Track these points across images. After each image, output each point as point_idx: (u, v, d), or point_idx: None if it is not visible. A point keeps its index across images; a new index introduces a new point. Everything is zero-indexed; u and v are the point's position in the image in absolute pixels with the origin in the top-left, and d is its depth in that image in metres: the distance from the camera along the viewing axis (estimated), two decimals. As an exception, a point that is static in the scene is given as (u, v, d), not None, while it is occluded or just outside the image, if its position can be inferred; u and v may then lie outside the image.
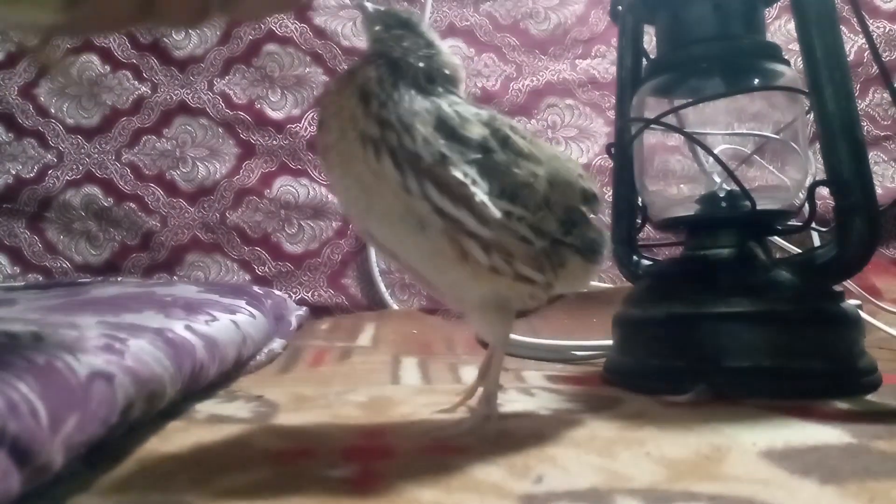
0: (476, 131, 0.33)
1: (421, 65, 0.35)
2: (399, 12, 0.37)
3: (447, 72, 0.36)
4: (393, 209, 0.33)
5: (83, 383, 0.28)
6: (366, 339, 0.76)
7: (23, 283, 0.92)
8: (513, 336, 0.70)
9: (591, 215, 0.38)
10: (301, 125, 1.02)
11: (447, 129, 0.33)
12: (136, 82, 1.03)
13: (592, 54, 1.05)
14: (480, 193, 0.32)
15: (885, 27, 1.01)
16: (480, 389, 0.40)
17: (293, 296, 0.96)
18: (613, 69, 0.92)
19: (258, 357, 0.59)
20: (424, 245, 0.33)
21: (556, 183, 0.35)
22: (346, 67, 0.36)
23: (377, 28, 0.36)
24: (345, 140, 0.33)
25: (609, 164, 0.58)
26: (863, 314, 0.53)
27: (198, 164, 1.01)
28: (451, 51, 0.37)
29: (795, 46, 0.46)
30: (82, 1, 0.27)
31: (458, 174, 0.32)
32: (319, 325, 0.87)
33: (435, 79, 0.35)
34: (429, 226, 0.32)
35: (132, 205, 1.00)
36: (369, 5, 0.37)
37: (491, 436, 0.36)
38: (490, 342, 0.40)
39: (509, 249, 0.33)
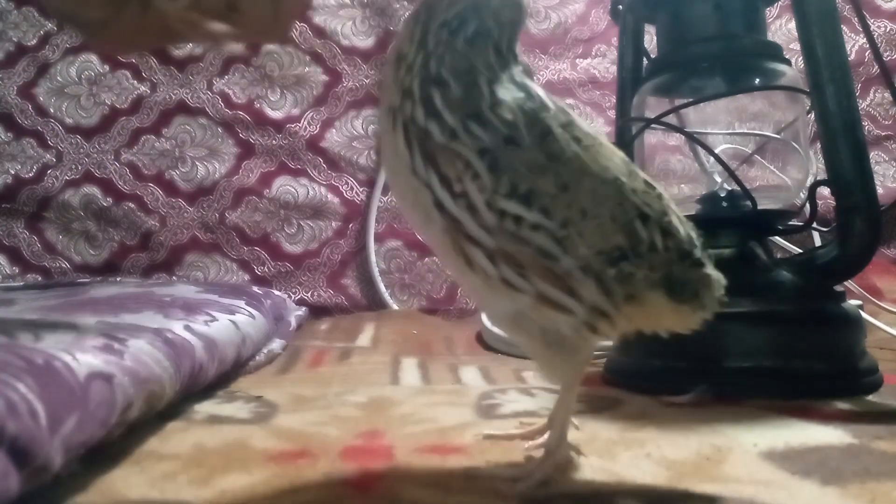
0: (503, 117, 0.27)
1: (475, 22, 0.28)
2: None
3: (509, 18, 0.29)
4: (406, 194, 0.28)
5: (82, 383, 0.28)
6: (365, 339, 0.76)
7: (22, 284, 0.92)
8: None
9: (694, 248, 0.30)
10: (300, 125, 1.01)
11: (474, 104, 0.27)
12: (136, 82, 1.02)
13: (593, 53, 1.05)
14: (475, 195, 0.27)
15: (886, 27, 1.01)
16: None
17: (293, 296, 0.96)
18: (614, 68, 0.92)
19: (257, 357, 0.59)
20: (434, 242, 0.29)
21: (603, 204, 0.28)
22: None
23: None
24: (380, 110, 0.30)
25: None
26: (864, 314, 0.53)
27: (197, 163, 1.01)
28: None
29: (796, 46, 0.46)
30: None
31: (453, 164, 0.27)
32: (319, 326, 0.87)
33: (480, 35, 0.28)
34: (433, 221, 0.28)
35: (131, 205, 0.99)
36: None
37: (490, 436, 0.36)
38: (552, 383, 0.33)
39: (519, 260, 0.27)
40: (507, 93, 0.28)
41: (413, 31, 0.29)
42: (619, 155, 0.29)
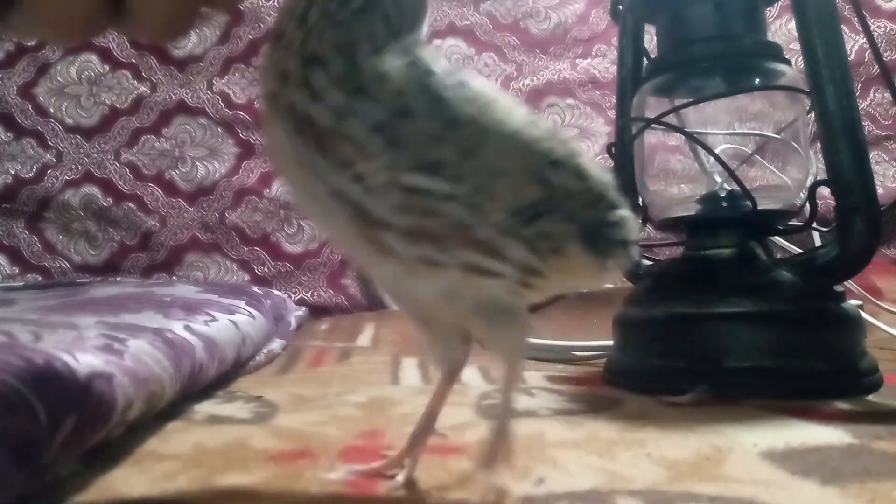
0: (389, 88, 0.25)
1: None
2: None
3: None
4: (301, 189, 0.26)
5: (82, 383, 0.28)
6: (365, 339, 0.76)
7: (22, 284, 0.92)
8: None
9: (608, 189, 0.28)
10: (301, 125, 1.01)
11: (355, 82, 0.25)
12: (136, 82, 1.03)
13: (593, 53, 1.05)
14: (372, 174, 0.24)
15: (886, 27, 1.01)
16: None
17: (292, 296, 0.96)
18: (614, 68, 0.92)
19: (257, 357, 0.59)
20: (341, 235, 0.27)
21: (510, 159, 0.26)
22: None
23: None
24: (261, 98, 0.27)
25: (609, 163, 0.58)
26: (864, 314, 0.53)
27: (197, 163, 1.01)
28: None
29: (796, 46, 0.46)
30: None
31: (346, 146, 0.24)
32: (319, 326, 0.87)
33: (369, 5, 0.26)
34: (334, 212, 0.26)
35: (131, 205, 0.99)
36: None
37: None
38: (492, 354, 0.29)
39: (436, 234, 0.25)
40: (390, 62, 0.25)
41: (294, 4, 0.26)
42: (519, 107, 0.27)
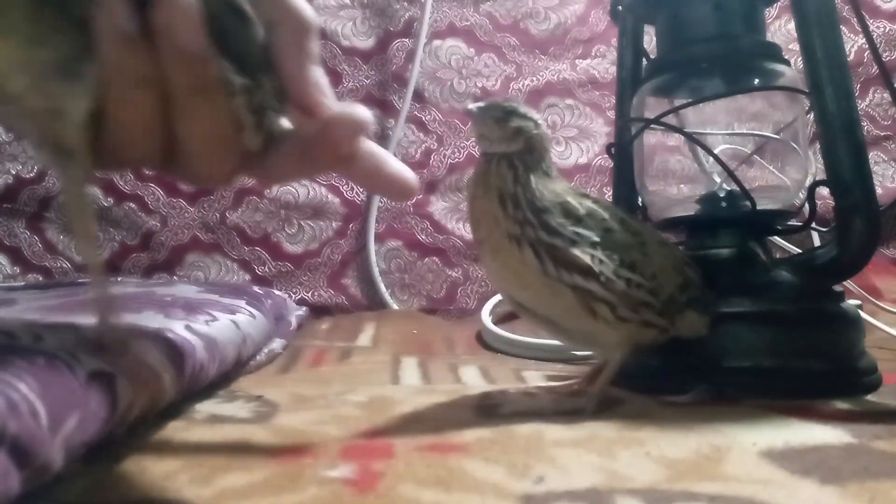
0: (598, 216, 0.42)
1: (531, 155, 0.42)
2: (500, 104, 0.42)
3: (546, 147, 0.43)
4: (535, 284, 0.41)
5: (83, 383, 0.28)
6: (366, 339, 0.76)
7: (23, 283, 0.92)
8: (513, 336, 0.70)
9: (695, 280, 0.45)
10: (301, 125, 1.01)
11: (574, 216, 0.41)
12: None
13: (592, 54, 1.05)
14: (607, 272, 0.40)
15: (885, 27, 1.01)
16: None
17: (293, 296, 0.96)
18: (613, 69, 0.92)
19: (258, 357, 0.59)
20: (562, 307, 0.42)
21: (667, 258, 0.44)
22: (476, 164, 0.44)
23: (488, 127, 0.42)
24: (492, 236, 0.42)
25: (609, 164, 0.59)
26: (863, 314, 0.53)
27: (198, 163, 1.01)
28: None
29: (795, 46, 0.46)
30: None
31: (586, 258, 0.40)
32: (319, 325, 0.87)
33: (542, 158, 0.42)
34: (564, 294, 0.40)
35: (132, 205, 1.00)
36: (474, 106, 0.43)
37: (490, 435, 0.36)
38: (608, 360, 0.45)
39: (634, 306, 0.41)
40: (589, 203, 0.42)
41: (505, 174, 0.41)
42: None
